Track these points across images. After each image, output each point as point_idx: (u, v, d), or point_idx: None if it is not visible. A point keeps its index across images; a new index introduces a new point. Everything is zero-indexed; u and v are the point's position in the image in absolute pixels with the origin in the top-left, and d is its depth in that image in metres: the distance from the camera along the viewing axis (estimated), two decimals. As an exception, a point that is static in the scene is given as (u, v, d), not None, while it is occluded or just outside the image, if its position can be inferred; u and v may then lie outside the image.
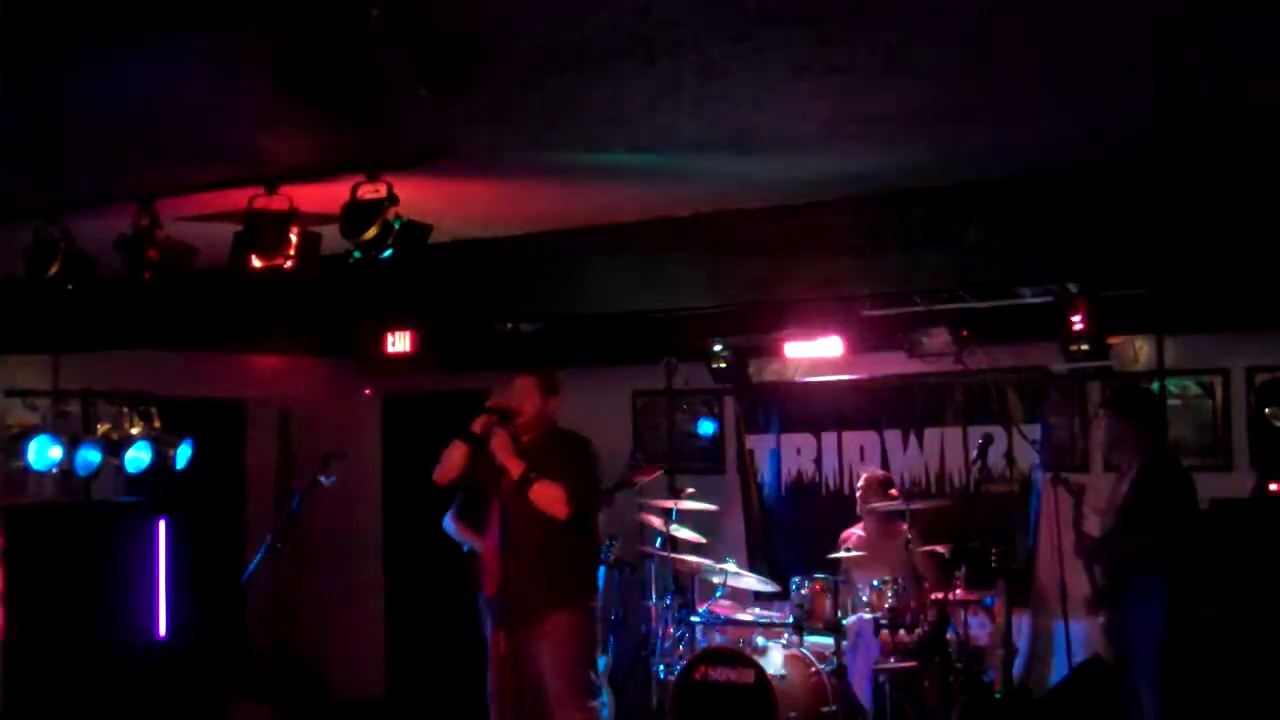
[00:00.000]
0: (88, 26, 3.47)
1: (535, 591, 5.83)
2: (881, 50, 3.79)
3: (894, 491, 7.96)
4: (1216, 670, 6.53)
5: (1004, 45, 3.80)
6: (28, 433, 7.89)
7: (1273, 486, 7.22)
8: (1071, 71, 4.08)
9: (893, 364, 8.48)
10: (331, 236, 5.23)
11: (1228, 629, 6.69)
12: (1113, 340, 7.62)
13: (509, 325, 8.31)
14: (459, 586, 8.05)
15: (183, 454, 8.39)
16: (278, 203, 5.19)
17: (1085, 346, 7.39)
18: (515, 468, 5.80)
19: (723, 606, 8.04)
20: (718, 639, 7.82)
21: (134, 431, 8.31)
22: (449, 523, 7.89)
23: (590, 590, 6.12)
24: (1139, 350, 8.03)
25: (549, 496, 5.77)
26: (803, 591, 7.69)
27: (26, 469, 7.88)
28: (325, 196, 5.08)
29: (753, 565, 8.70)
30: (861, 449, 8.89)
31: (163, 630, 8.49)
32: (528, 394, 5.98)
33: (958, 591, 7.15)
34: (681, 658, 7.81)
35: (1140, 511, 6.12)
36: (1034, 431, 8.21)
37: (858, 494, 8.18)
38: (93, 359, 8.41)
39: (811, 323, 8.22)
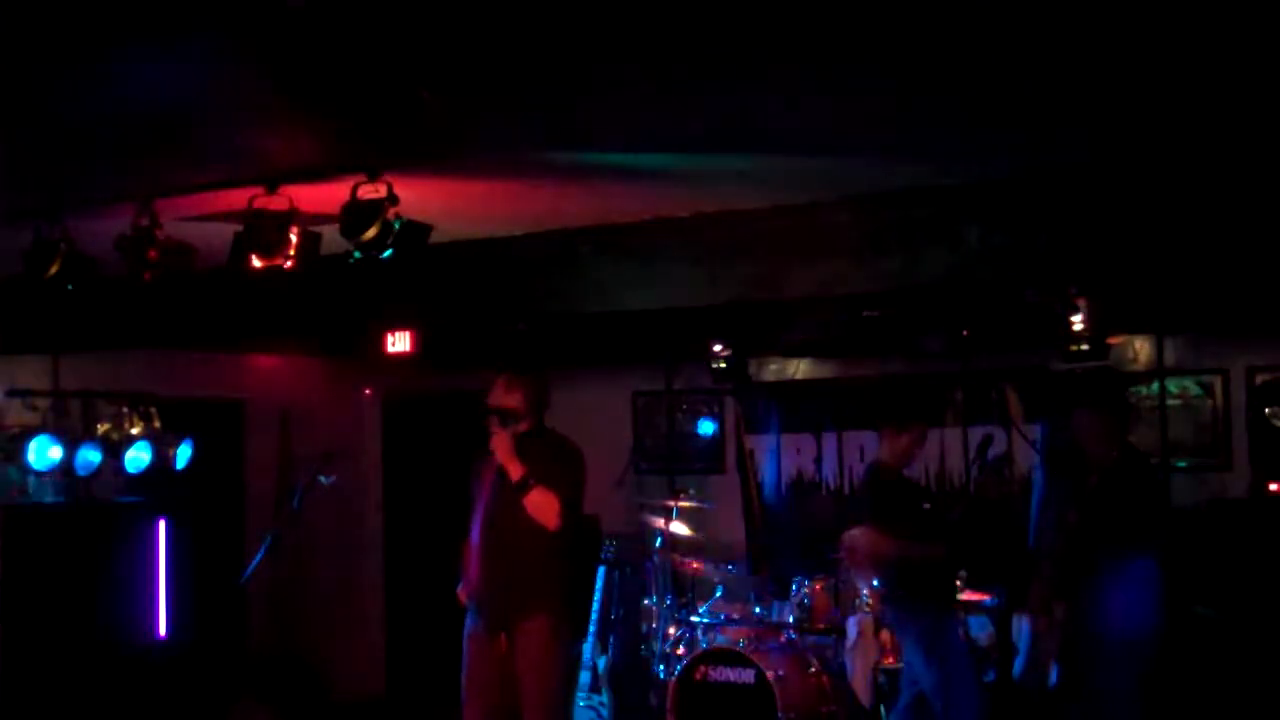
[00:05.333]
0: (87, 26, 3.47)
1: (511, 595, 5.81)
2: (882, 51, 3.80)
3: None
4: (1213, 670, 6.52)
5: (1005, 46, 3.80)
6: (28, 433, 7.88)
7: (1272, 486, 7.22)
8: (1073, 73, 4.08)
9: (893, 364, 8.48)
10: (331, 236, 5.24)
11: (1227, 629, 6.69)
12: (1113, 340, 7.62)
13: (509, 325, 8.31)
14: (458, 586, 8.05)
15: (183, 454, 8.39)
16: (278, 203, 5.19)
17: (1085, 346, 7.39)
18: (515, 470, 5.75)
19: (723, 606, 8.05)
20: (718, 639, 7.82)
21: (134, 431, 8.31)
22: None
23: (566, 600, 6.01)
24: (1139, 350, 8.03)
25: (543, 505, 5.71)
26: (803, 591, 7.70)
27: (26, 469, 7.87)
28: (325, 196, 5.08)
29: (753, 565, 8.70)
30: (861, 449, 8.89)
31: (163, 630, 8.48)
32: (518, 394, 5.96)
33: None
34: (681, 658, 7.81)
35: (1108, 506, 6.00)
36: (1034, 431, 8.21)
37: (859, 494, 8.18)
38: (93, 359, 8.41)
39: (811, 323, 8.23)
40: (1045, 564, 6.36)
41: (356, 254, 5.06)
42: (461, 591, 6.10)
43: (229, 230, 5.39)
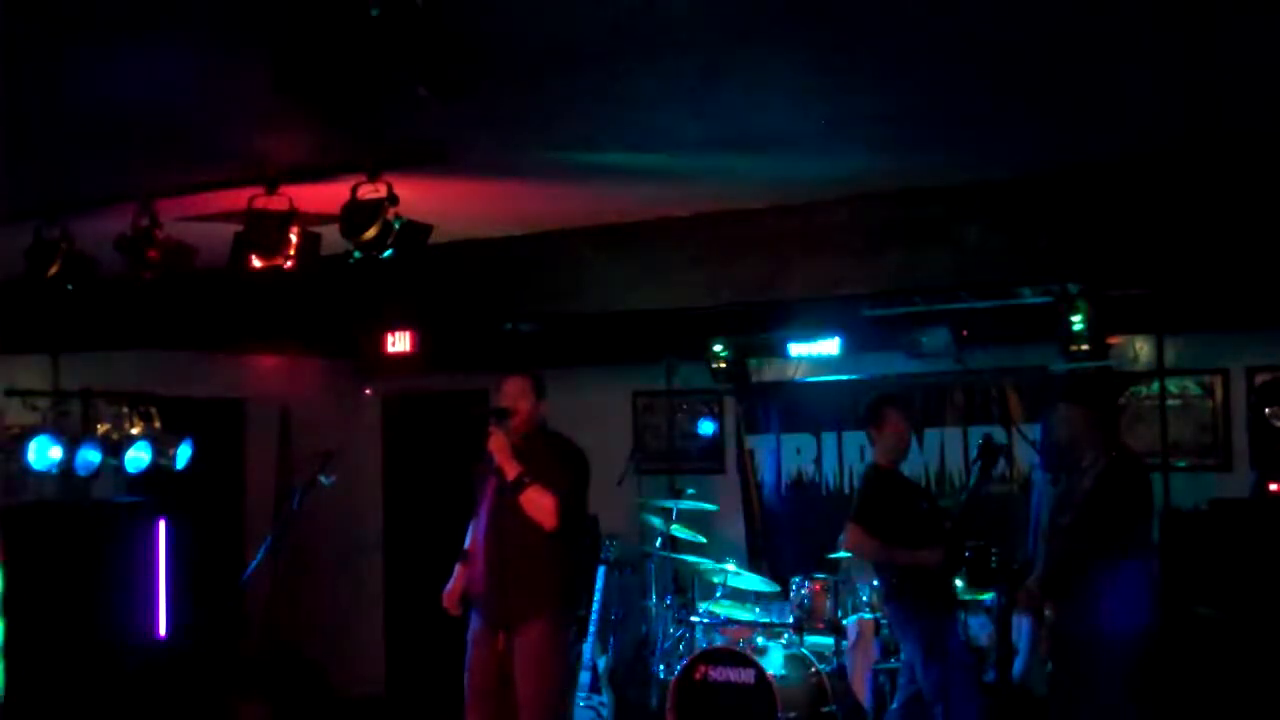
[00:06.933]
0: (88, 26, 3.47)
1: (511, 595, 5.79)
2: (882, 52, 3.80)
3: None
4: (1213, 670, 6.50)
5: (1005, 47, 3.81)
6: (28, 433, 7.88)
7: (1272, 486, 7.21)
8: (1072, 73, 4.08)
9: (893, 364, 8.48)
10: (331, 236, 5.24)
11: (1227, 629, 6.68)
12: (1113, 340, 7.62)
13: (509, 325, 8.32)
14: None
15: (183, 454, 8.38)
16: (278, 203, 5.19)
17: (1085, 346, 7.38)
18: (511, 470, 5.74)
19: (723, 606, 8.05)
20: (718, 639, 7.81)
21: (134, 431, 8.30)
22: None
23: (566, 601, 5.99)
24: (1139, 350, 8.03)
25: (540, 505, 5.68)
26: (803, 591, 7.70)
27: (26, 469, 7.87)
28: (325, 196, 5.09)
29: (753, 565, 8.70)
30: (862, 449, 8.88)
31: (163, 630, 8.48)
32: (521, 395, 5.94)
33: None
34: (681, 658, 7.81)
35: (1101, 508, 5.94)
36: (1034, 431, 8.20)
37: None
38: (93, 359, 8.41)
39: (811, 323, 8.23)
40: (1040, 564, 6.35)
41: (356, 254, 5.06)
42: (447, 596, 6.08)
43: (229, 230, 5.39)
